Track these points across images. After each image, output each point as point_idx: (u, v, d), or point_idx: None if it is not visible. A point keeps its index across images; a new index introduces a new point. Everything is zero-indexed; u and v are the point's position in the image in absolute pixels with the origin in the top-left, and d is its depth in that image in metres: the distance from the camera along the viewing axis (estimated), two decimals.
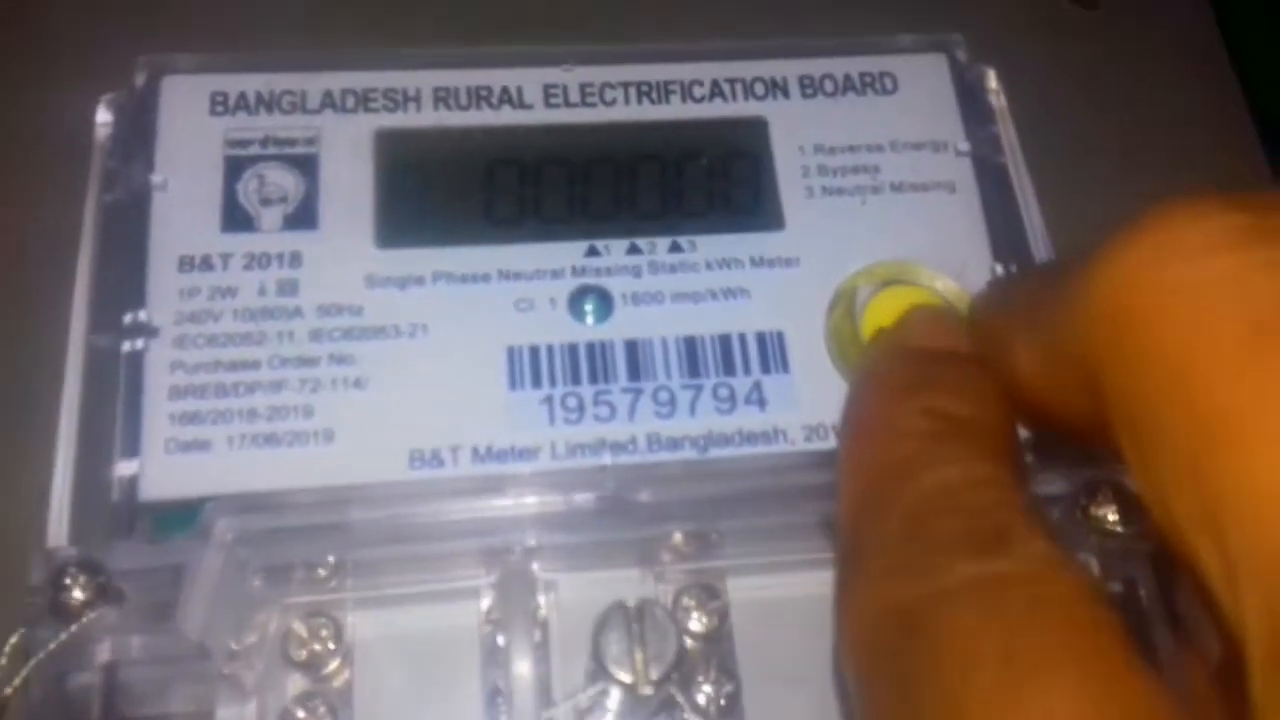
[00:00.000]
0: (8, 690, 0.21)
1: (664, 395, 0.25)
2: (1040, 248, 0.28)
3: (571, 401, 0.25)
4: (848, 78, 0.30)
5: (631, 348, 0.26)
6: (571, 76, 0.29)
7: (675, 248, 0.27)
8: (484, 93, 0.29)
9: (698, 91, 0.29)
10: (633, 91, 0.29)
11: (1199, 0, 0.37)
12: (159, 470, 0.24)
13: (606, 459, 0.24)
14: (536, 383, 0.25)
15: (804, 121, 0.29)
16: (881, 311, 0.26)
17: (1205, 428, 0.13)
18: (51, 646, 0.21)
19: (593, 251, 0.27)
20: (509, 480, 0.23)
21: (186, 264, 0.26)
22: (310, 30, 0.32)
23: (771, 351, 0.26)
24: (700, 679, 0.23)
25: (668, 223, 0.27)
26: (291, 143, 0.27)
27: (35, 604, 0.21)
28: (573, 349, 0.26)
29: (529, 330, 0.26)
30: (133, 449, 0.24)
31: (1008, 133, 0.30)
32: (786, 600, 0.24)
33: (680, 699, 0.23)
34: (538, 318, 0.26)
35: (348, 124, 0.28)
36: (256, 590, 0.23)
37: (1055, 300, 0.16)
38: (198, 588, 0.21)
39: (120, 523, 0.23)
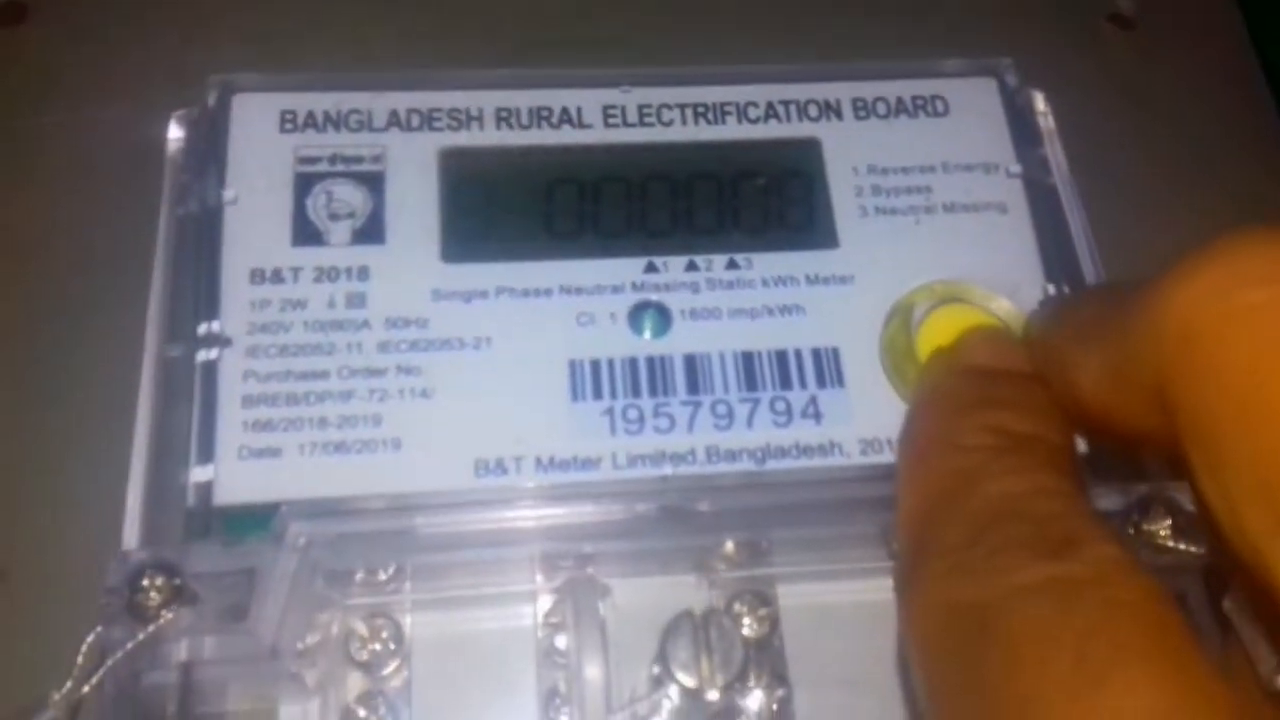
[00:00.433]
0: (84, 689, 0.21)
1: (722, 408, 0.26)
2: (1090, 268, 0.28)
3: (632, 413, 0.25)
4: (900, 100, 0.30)
5: (690, 362, 0.26)
6: (630, 98, 0.29)
7: (732, 265, 0.27)
8: (545, 113, 0.29)
9: (753, 113, 0.30)
10: (689, 112, 0.29)
11: (1231, 18, 0.38)
12: (233, 476, 0.24)
13: (667, 469, 0.25)
14: (598, 394, 0.26)
15: (857, 142, 0.29)
16: (937, 329, 0.26)
17: (1277, 440, 0.13)
18: (129, 646, 0.21)
19: (651, 268, 0.27)
20: (573, 489, 0.24)
21: (258, 276, 0.26)
22: (376, 51, 0.33)
23: (827, 366, 0.26)
24: (752, 684, 0.24)
25: (724, 240, 0.28)
26: (359, 160, 0.28)
27: (112, 604, 0.21)
28: (633, 362, 0.26)
29: (590, 344, 0.26)
30: (207, 455, 0.24)
31: (1055, 154, 0.30)
32: (836, 607, 0.25)
33: (739, 703, 0.23)
34: (598, 331, 0.26)
35: (413, 142, 0.28)
36: (320, 591, 0.23)
37: (1124, 319, 0.16)
38: (270, 590, 0.22)
39: (195, 527, 0.24)
